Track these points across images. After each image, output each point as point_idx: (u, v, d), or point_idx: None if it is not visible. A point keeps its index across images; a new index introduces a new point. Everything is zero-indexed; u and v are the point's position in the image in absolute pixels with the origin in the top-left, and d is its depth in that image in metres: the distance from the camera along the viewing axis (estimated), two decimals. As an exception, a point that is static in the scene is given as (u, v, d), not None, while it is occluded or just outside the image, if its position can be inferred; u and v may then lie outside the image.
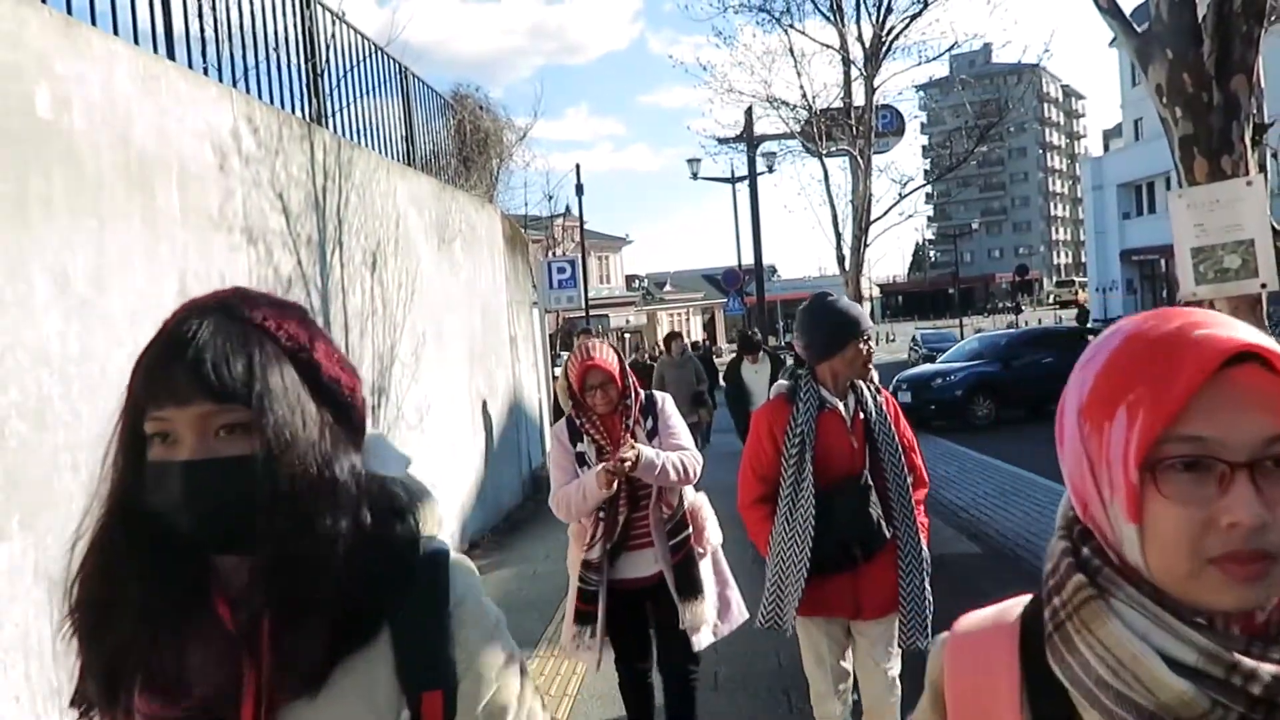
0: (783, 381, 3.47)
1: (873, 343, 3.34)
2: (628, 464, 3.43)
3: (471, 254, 10.27)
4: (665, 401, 3.80)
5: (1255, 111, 2.32)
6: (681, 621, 3.60)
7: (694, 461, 3.67)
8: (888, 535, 3.23)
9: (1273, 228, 2.28)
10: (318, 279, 6.28)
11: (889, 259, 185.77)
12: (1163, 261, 42.64)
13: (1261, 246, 2.17)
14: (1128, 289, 45.44)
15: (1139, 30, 2.34)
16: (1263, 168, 2.43)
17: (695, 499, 3.86)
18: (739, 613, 3.85)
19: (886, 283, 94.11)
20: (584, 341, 3.87)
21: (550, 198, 26.19)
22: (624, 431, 3.60)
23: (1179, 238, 2.28)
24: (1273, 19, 2.36)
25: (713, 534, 3.85)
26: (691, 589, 3.61)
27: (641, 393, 3.75)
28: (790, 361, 13.04)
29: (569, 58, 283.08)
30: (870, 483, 3.24)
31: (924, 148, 62.52)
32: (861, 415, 3.31)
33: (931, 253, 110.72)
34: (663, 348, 11.98)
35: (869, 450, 3.27)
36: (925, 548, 3.27)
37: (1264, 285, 2.20)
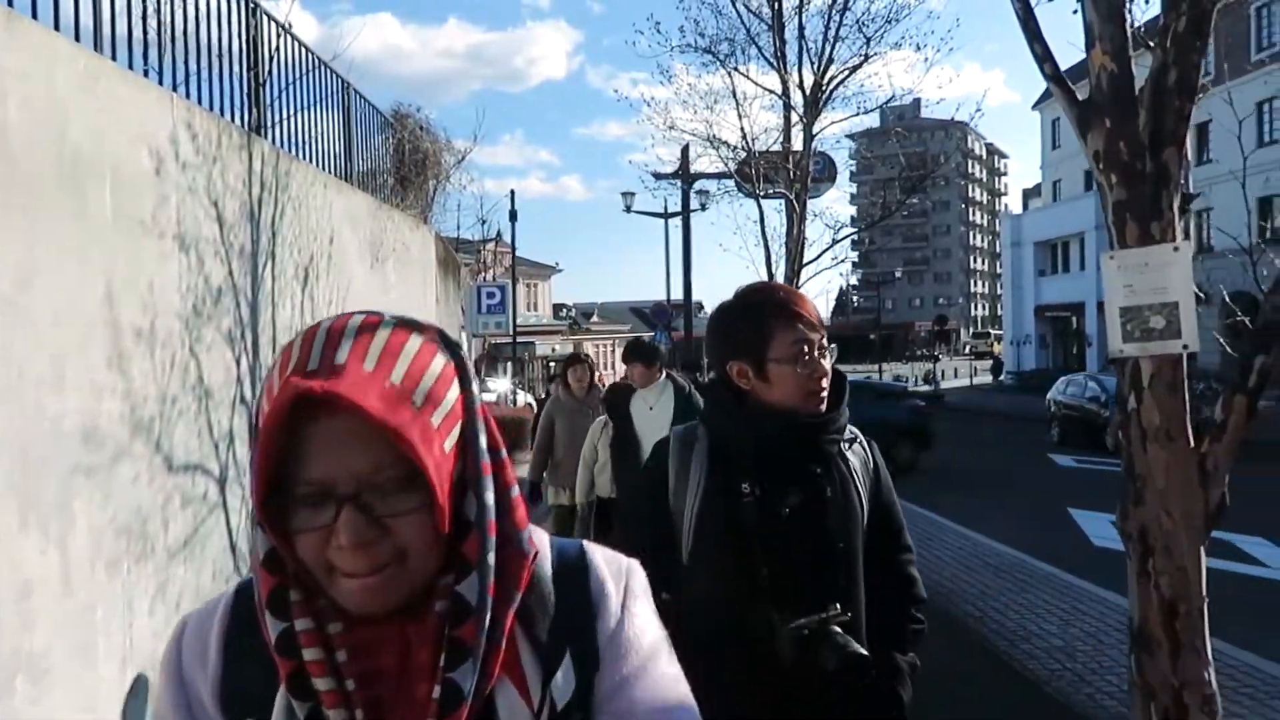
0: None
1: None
2: None
3: (404, 274, 10.18)
4: None
5: (1183, 181, 2.45)
6: None
7: None
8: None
9: (1195, 292, 2.41)
10: (248, 290, 6.16)
11: (815, 302, 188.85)
12: (1073, 318, 44.15)
13: (1185, 309, 2.29)
14: (1040, 343, 46.91)
15: (1080, 99, 2.46)
16: (1188, 235, 2.55)
17: None
18: None
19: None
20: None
21: (484, 222, 26.11)
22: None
23: (1109, 297, 2.39)
24: (1199, 96, 2.50)
25: None
26: None
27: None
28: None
29: (507, 85, 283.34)
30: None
31: (852, 195, 63.95)
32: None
33: (855, 298, 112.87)
34: (558, 381, 7.73)
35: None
36: None
37: (1185, 347, 2.31)
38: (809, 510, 1.93)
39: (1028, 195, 72.02)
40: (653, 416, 5.74)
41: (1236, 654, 6.09)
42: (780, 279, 9.46)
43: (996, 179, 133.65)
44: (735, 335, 2.02)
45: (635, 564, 1.10)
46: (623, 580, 1.07)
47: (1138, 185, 2.33)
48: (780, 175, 9.42)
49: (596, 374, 8.17)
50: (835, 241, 10.17)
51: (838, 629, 1.85)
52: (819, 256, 9.90)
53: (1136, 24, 2.80)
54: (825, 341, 2.01)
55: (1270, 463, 15.02)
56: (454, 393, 0.97)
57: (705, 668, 1.69)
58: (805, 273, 9.39)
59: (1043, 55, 2.51)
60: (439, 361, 0.98)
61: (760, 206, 10.22)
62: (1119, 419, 2.42)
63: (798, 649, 1.84)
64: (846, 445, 2.04)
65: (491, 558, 0.95)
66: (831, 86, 9.26)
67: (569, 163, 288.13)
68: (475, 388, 1.00)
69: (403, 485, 0.91)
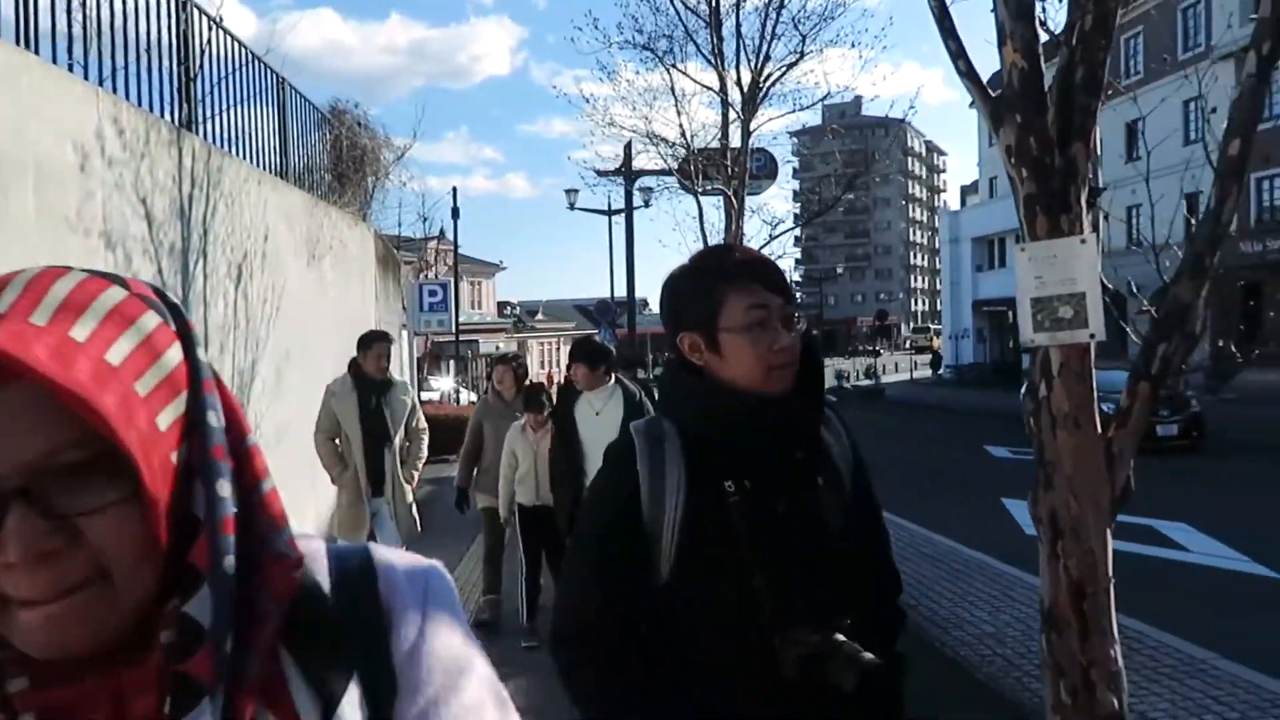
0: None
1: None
2: None
3: (342, 271, 10.08)
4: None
5: (1091, 176, 2.54)
6: None
7: None
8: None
9: (1102, 283, 2.50)
10: (179, 289, 6.07)
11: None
12: (1010, 313, 45.03)
13: (1092, 299, 2.38)
14: (978, 337, 47.79)
15: (993, 95, 2.53)
16: (1095, 228, 2.64)
17: None
18: None
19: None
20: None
21: (425, 219, 25.91)
22: None
23: (1021, 288, 2.47)
24: (1109, 93, 2.59)
25: None
26: None
27: None
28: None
29: (450, 82, 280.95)
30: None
31: (794, 192, 64.58)
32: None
33: (798, 294, 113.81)
34: (491, 383, 7.46)
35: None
36: None
37: (1093, 335, 2.40)
38: (802, 506, 1.69)
39: (965, 192, 73.31)
40: (598, 422, 5.28)
41: (1159, 635, 6.29)
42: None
43: (936, 176, 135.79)
44: (685, 302, 1.76)
45: (437, 567, 0.91)
46: (421, 586, 0.87)
47: (1047, 179, 2.42)
48: (719, 172, 9.52)
49: (533, 374, 8.24)
50: (773, 237, 10.32)
51: (843, 639, 1.62)
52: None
53: (1049, 22, 2.89)
54: (793, 311, 1.71)
55: (1195, 454, 15.44)
56: (173, 356, 0.74)
57: (700, 697, 1.64)
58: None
59: (956, 52, 2.58)
60: (150, 319, 0.74)
61: (699, 203, 10.34)
62: (1030, 407, 2.50)
63: (803, 667, 1.60)
64: (824, 426, 1.80)
65: (229, 564, 0.73)
66: (769, 84, 9.39)
67: (514, 160, 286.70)
68: (203, 356, 0.78)
69: (96, 473, 0.69)
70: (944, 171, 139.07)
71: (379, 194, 12.87)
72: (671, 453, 1.69)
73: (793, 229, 10.91)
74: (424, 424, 6.57)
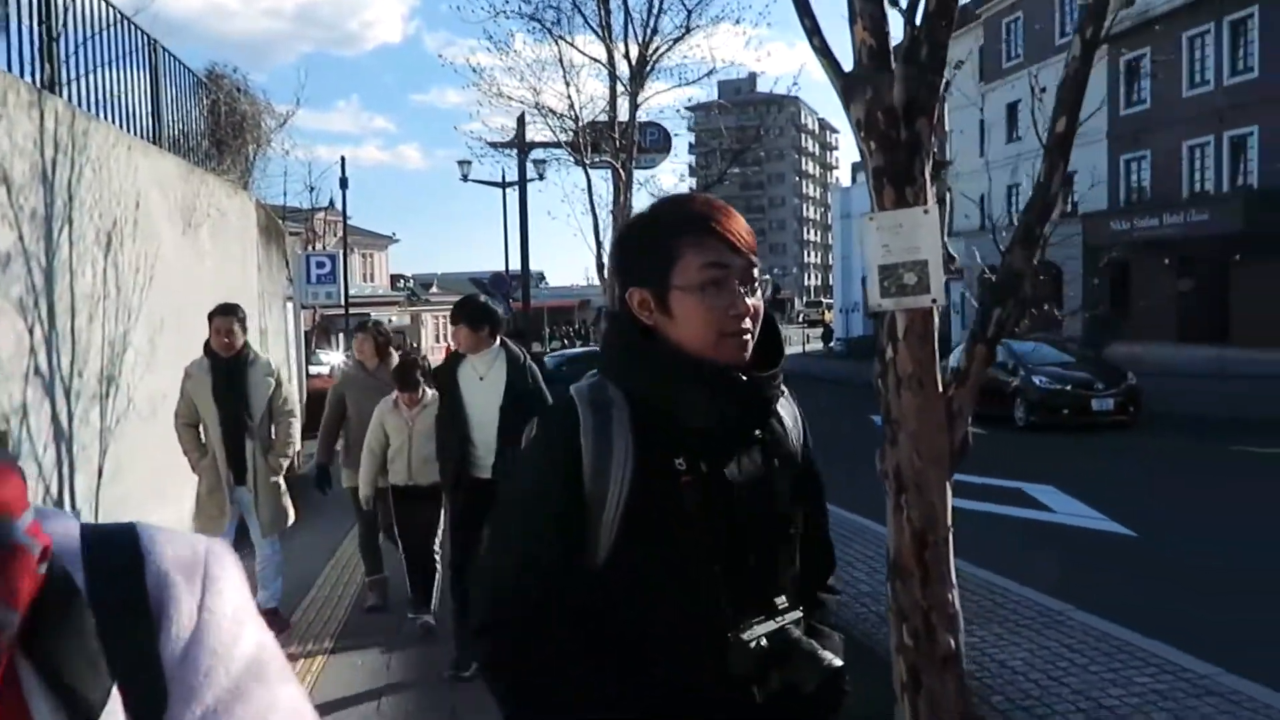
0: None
1: None
2: None
3: (221, 241, 9.80)
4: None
5: (936, 150, 2.68)
6: None
7: None
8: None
9: (946, 251, 2.65)
10: (41, 257, 5.84)
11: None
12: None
13: (934, 267, 2.52)
14: (868, 310, 49.05)
15: (844, 71, 2.65)
16: (942, 200, 2.79)
17: None
18: None
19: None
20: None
21: (313, 190, 25.27)
22: None
23: (869, 256, 2.60)
24: (957, 66, 2.73)
25: None
26: None
27: None
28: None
29: (340, 48, 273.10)
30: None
31: (690, 166, 64.80)
32: None
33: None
34: (355, 351, 7.15)
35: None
36: None
37: (934, 300, 2.55)
38: (757, 487, 1.55)
39: (856, 169, 74.80)
40: (483, 388, 4.99)
41: (1020, 589, 6.64)
42: (606, 248, 9.60)
43: (828, 153, 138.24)
44: (637, 255, 1.58)
45: (217, 548, 0.78)
46: (200, 571, 0.74)
47: (893, 152, 2.55)
48: (608, 145, 9.55)
49: (427, 347, 7.80)
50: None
51: (799, 634, 1.49)
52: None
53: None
54: (756, 272, 1.55)
55: (1131, 430, 15.87)
56: None
57: (645, 697, 1.45)
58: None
59: (811, 29, 2.69)
60: None
61: (588, 175, 10.36)
62: (879, 369, 2.64)
63: (759, 666, 1.46)
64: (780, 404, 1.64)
65: None
66: (656, 58, 9.45)
67: (407, 130, 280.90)
68: None
69: None
70: (836, 149, 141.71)
71: (261, 162, 12.53)
72: (619, 423, 1.51)
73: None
74: (293, 405, 6.02)
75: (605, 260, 9.68)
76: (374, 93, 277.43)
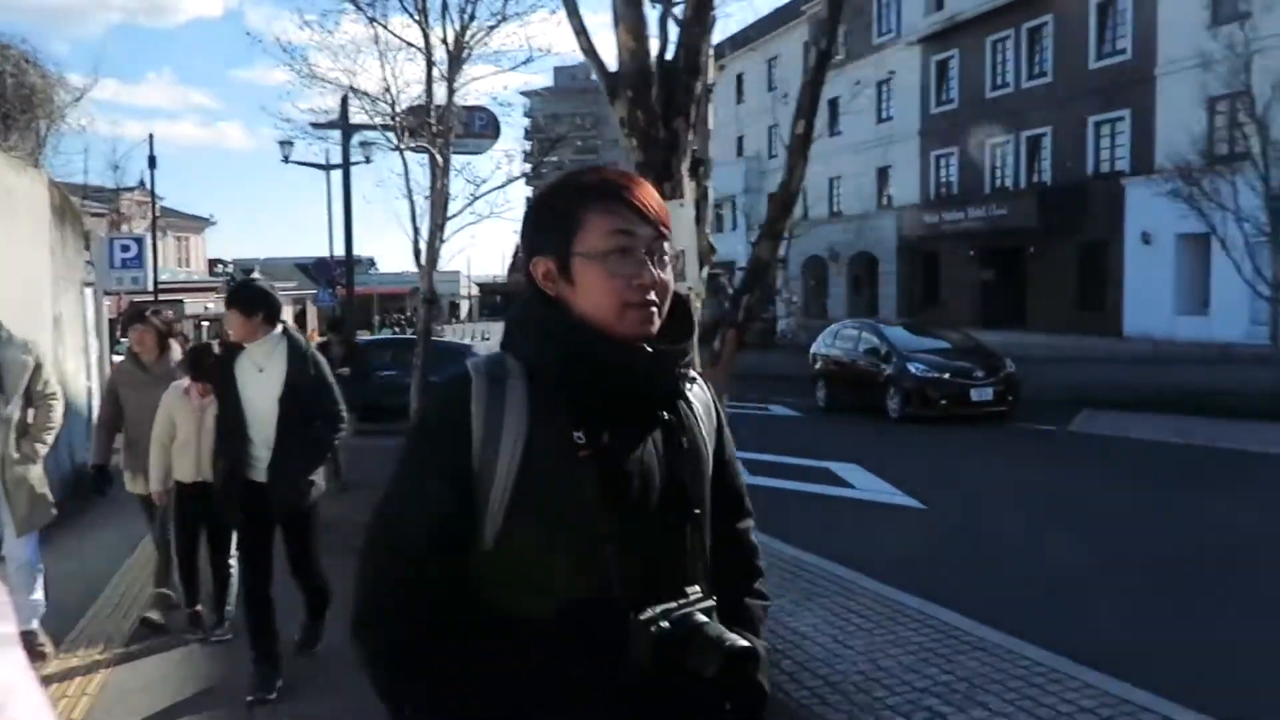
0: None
1: None
2: None
3: (5, 222, 9.20)
4: None
5: (697, 148, 2.87)
6: None
7: None
8: None
9: (708, 243, 2.84)
10: None
11: (489, 258, 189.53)
12: (723, 275, 47.63)
13: (689, 256, 2.70)
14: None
15: (609, 71, 2.80)
16: (705, 196, 2.99)
17: None
18: None
19: (486, 281, 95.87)
20: None
21: (117, 168, 23.88)
22: None
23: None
24: (720, 68, 2.91)
25: None
26: None
27: None
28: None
29: (152, 19, 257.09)
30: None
31: (524, 153, 64.60)
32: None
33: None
34: (133, 344, 6.39)
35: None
36: None
37: (690, 289, 2.74)
38: (661, 466, 1.49)
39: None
40: (262, 380, 4.62)
41: (817, 561, 7.05)
42: (424, 233, 9.54)
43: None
44: (543, 222, 1.53)
45: None
46: None
47: (653, 149, 2.71)
48: (425, 129, 9.49)
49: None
50: (476, 197, 10.44)
51: (704, 619, 1.43)
52: (461, 211, 10.12)
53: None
54: (668, 246, 1.51)
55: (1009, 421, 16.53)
56: None
57: (534, 690, 1.41)
58: (450, 226, 9.57)
59: (578, 29, 2.82)
60: None
61: (404, 160, 10.27)
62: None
63: (659, 650, 1.39)
64: (688, 384, 1.58)
65: None
66: (474, 42, 9.44)
67: (229, 106, 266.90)
68: None
69: None
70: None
71: (54, 138, 11.79)
72: (514, 395, 1.45)
73: (499, 187, 11.07)
74: (55, 389, 5.40)
75: (421, 246, 9.62)
76: (190, 67, 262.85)
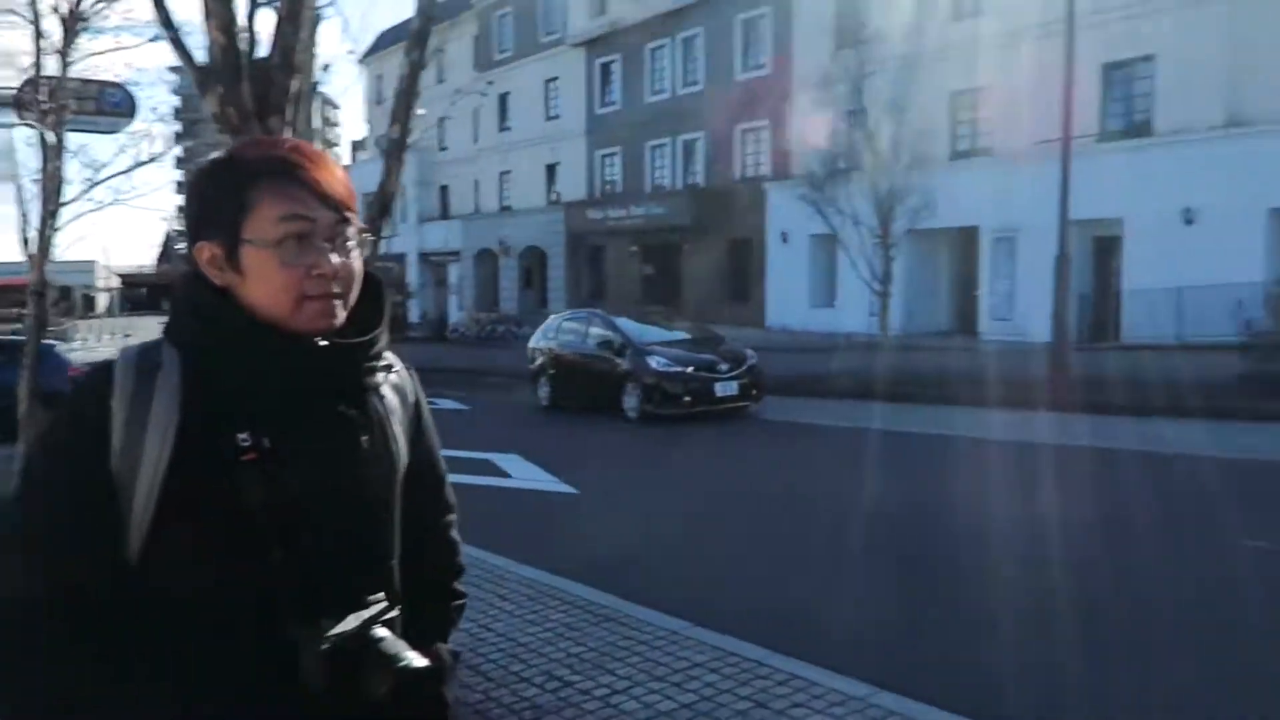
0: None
1: None
2: None
3: None
4: None
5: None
6: None
7: None
8: None
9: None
10: None
11: (134, 248, 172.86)
12: (395, 269, 46.74)
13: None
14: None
15: (199, 65, 2.76)
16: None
17: None
18: None
19: (131, 273, 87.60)
20: None
21: None
22: None
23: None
24: (325, 68, 2.95)
25: None
26: None
27: None
28: None
29: None
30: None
31: (176, 134, 59.88)
32: None
33: (184, 245, 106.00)
34: None
35: None
36: None
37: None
38: (339, 468, 1.35)
39: (356, 147, 73.97)
40: None
41: (475, 552, 7.18)
42: (34, 221, 8.65)
43: (330, 129, 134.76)
44: (207, 203, 1.34)
45: None
46: None
47: (247, 147, 2.71)
48: (33, 105, 8.57)
49: None
50: (95, 183, 9.58)
51: (383, 633, 1.32)
52: (78, 197, 9.27)
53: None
54: (352, 230, 1.35)
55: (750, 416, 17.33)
56: None
57: (183, 707, 1.27)
58: (66, 213, 8.72)
59: (164, 20, 2.76)
60: None
61: (10, 138, 9.27)
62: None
63: (331, 669, 1.27)
64: (383, 375, 1.45)
65: None
66: (90, 13, 8.66)
67: None
68: None
69: None
70: (337, 125, 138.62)
71: None
72: (165, 389, 1.28)
73: (122, 173, 10.20)
74: None
75: (29, 234, 8.72)
76: None
